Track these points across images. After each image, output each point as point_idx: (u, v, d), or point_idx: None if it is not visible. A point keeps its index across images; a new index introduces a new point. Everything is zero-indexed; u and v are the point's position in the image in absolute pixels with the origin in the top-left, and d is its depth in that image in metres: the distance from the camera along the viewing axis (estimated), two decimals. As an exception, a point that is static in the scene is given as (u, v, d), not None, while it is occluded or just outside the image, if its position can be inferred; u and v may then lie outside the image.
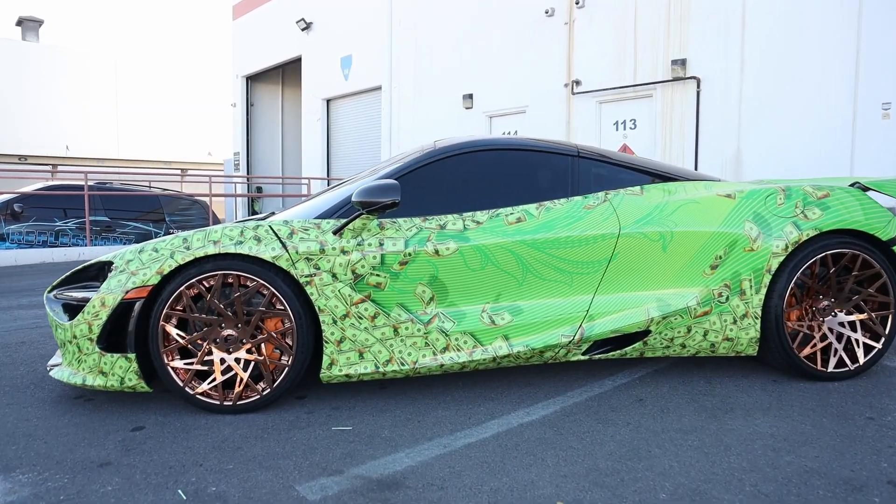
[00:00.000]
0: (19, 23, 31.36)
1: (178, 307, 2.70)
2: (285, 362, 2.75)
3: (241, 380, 2.74)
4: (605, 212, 3.07)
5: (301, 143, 17.05)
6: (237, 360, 2.74)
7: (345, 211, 2.92)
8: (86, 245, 10.12)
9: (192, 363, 2.72)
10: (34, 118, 27.39)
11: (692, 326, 3.05)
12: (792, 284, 3.02)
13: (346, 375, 2.79)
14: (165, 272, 2.67)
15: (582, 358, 3.02)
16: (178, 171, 27.67)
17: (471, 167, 3.12)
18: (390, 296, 2.82)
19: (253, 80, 19.24)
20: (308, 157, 16.52)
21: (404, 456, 2.31)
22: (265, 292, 2.71)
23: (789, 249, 3.00)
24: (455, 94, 11.96)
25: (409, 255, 2.81)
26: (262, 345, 2.76)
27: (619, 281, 3.02)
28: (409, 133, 13.05)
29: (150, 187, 12.94)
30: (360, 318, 2.76)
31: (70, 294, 2.91)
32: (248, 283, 2.72)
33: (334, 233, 2.79)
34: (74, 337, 2.76)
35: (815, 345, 3.07)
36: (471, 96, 11.60)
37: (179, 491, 2.06)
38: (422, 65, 12.77)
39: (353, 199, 2.73)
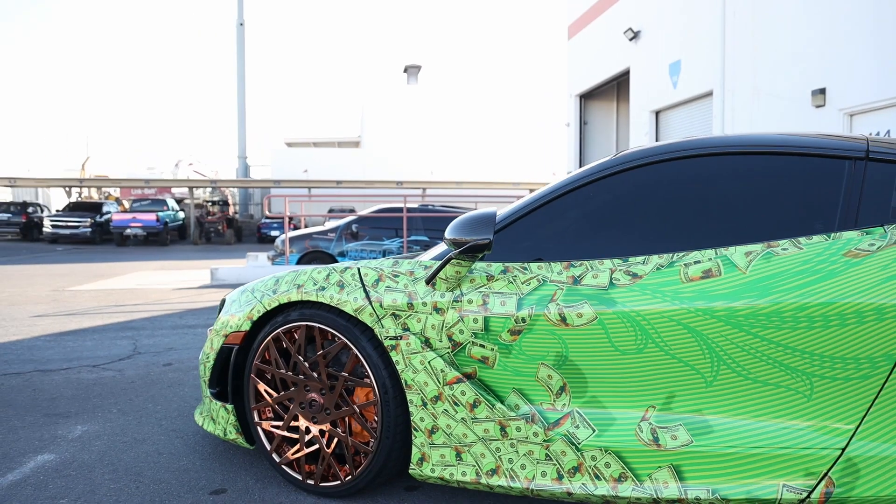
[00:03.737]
0: (405, 70, 37.23)
1: (267, 359, 2.32)
2: (371, 446, 2.13)
3: (324, 458, 2.20)
4: (888, 263, 1.66)
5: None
6: (322, 433, 2.22)
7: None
8: (404, 262, 10.98)
9: (279, 426, 2.30)
10: (409, 149, 32.25)
11: None
12: None
13: (441, 478, 2.02)
14: (255, 318, 2.31)
15: (835, 524, 1.68)
16: (528, 192, 29.23)
17: (657, 187, 2.04)
18: (500, 377, 1.96)
19: (586, 98, 19.04)
20: (634, 174, 15.44)
21: None
22: (351, 353, 2.14)
23: None
24: (801, 91, 9.63)
25: (523, 320, 1.90)
26: (349, 419, 2.18)
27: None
28: (744, 142, 10.97)
29: (475, 209, 13.66)
30: (456, 403, 1.97)
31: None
32: (335, 339, 2.18)
33: (427, 282, 2.05)
34: (200, 376, 2.61)
35: None
36: (822, 91, 9.17)
37: None
38: (759, 62, 10.67)
39: (446, 234, 1.96)
